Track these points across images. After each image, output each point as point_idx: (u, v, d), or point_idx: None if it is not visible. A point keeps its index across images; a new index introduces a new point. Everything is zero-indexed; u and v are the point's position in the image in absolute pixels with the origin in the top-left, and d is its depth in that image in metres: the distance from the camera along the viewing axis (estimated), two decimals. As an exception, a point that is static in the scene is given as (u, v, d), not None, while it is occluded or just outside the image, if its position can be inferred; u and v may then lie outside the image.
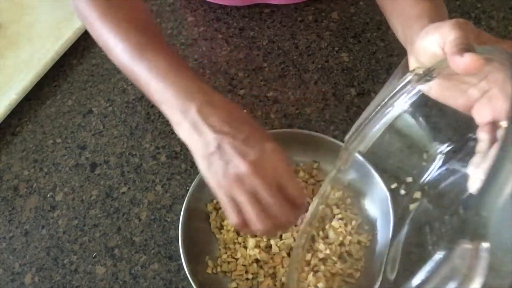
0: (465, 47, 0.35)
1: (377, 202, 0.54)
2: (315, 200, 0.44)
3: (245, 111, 0.64)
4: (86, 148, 0.65)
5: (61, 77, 0.71)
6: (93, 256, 0.57)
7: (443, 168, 0.46)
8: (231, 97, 0.67)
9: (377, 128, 0.41)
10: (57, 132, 0.67)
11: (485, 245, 0.30)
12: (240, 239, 0.54)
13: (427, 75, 0.39)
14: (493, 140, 0.39)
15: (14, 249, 0.58)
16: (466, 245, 0.31)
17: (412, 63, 0.42)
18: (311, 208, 0.45)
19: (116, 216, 0.59)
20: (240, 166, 0.39)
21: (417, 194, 0.48)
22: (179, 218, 0.53)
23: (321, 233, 0.54)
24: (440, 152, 0.47)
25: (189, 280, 0.49)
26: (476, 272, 0.30)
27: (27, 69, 0.69)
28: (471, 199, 0.38)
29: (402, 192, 0.49)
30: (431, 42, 0.38)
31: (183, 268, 0.51)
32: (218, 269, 0.53)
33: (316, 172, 0.59)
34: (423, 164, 0.47)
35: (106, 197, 0.61)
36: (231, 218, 0.41)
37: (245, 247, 0.54)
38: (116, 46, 0.47)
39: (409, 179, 0.49)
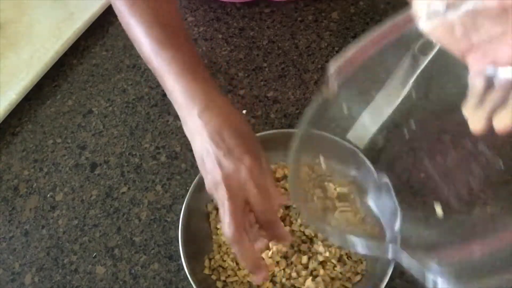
0: None
1: (380, 199, 0.54)
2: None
3: (244, 111, 0.64)
4: (86, 148, 0.65)
5: (61, 77, 0.71)
6: (93, 256, 0.57)
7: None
8: (231, 97, 0.67)
9: (364, 50, 0.39)
10: (57, 132, 0.67)
11: None
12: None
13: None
14: (488, 86, 0.36)
15: (14, 249, 0.58)
16: None
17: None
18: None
19: (116, 216, 0.59)
20: (215, 175, 0.44)
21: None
22: (179, 218, 0.53)
23: (320, 234, 0.53)
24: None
25: (189, 280, 0.49)
26: None
27: (27, 69, 0.69)
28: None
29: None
30: None
31: (183, 268, 0.51)
32: (212, 272, 0.53)
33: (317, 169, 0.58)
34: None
35: (106, 197, 0.61)
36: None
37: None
38: (142, 42, 0.50)
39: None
